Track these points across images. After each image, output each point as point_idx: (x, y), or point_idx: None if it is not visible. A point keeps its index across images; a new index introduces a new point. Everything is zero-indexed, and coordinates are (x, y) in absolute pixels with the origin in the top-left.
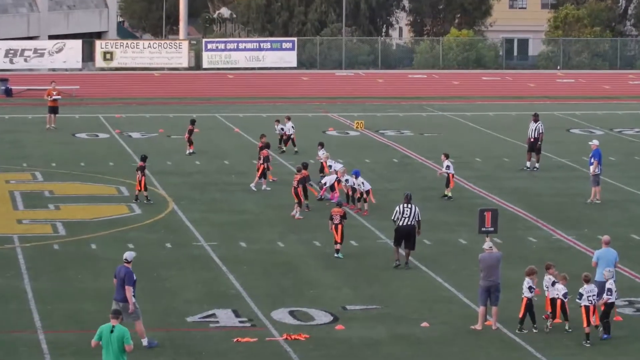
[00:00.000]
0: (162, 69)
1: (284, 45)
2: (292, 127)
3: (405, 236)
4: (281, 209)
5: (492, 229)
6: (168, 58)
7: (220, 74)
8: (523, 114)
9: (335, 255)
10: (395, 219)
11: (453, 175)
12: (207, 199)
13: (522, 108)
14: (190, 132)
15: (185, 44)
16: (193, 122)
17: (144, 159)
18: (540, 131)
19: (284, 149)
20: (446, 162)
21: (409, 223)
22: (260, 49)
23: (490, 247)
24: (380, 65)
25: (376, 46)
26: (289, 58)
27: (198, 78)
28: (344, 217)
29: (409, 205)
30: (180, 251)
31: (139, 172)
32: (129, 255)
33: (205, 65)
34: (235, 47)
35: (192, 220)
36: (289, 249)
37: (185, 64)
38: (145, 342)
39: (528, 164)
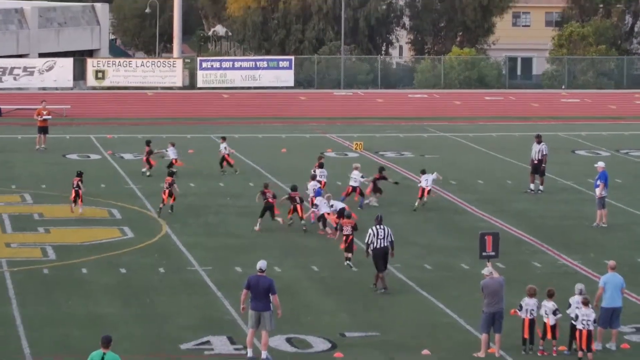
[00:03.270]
0: (155, 88)
1: (281, 64)
2: (226, 147)
3: (382, 257)
4: (277, 232)
5: (493, 253)
6: (161, 77)
7: (215, 93)
8: (527, 134)
9: (346, 263)
10: (369, 242)
11: (429, 190)
12: (202, 222)
13: (525, 128)
14: (149, 153)
15: (179, 63)
16: (148, 142)
17: (79, 174)
18: (544, 152)
19: (223, 170)
20: (424, 177)
21: (384, 245)
22: (256, 68)
23: (490, 272)
24: (380, 84)
25: (376, 65)
26: (286, 77)
27: (192, 97)
28: (354, 228)
29: (382, 227)
30: (174, 276)
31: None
32: (263, 264)
33: (199, 84)
34: (231, 66)
35: (186, 244)
36: (285, 274)
37: (179, 83)
38: (264, 355)
39: (532, 186)
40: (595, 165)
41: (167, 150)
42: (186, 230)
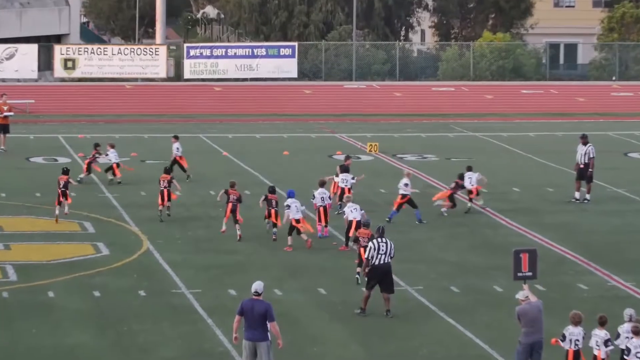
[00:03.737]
0: (135, 79)
1: (282, 51)
2: (178, 148)
3: (383, 276)
4: (278, 248)
5: (530, 274)
6: (142, 67)
7: (205, 86)
8: (571, 134)
9: (357, 276)
10: (369, 257)
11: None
12: (190, 237)
13: (569, 127)
14: (93, 157)
15: (162, 50)
16: (97, 145)
17: (65, 171)
18: (591, 156)
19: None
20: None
21: (386, 261)
22: (253, 56)
23: (526, 297)
24: (399, 75)
25: (393, 53)
26: (288, 67)
27: (178, 91)
28: (371, 239)
29: (384, 240)
30: (157, 300)
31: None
32: (259, 286)
33: (187, 75)
34: (224, 54)
35: (170, 262)
36: (287, 298)
37: (162, 74)
38: None
39: (577, 194)
40: None
41: (107, 155)
42: (171, 246)
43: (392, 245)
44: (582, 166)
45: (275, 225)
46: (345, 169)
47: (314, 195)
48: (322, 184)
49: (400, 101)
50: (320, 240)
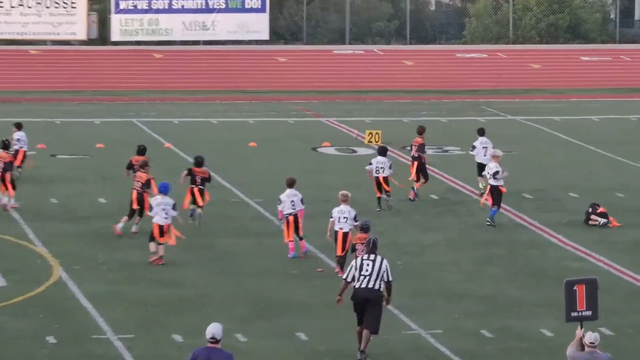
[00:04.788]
0: (44, 42)
1: (248, 3)
2: (19, 139)
3: (363, 305)
4: (242, 276)
5: (588, 312)
6: (53, 25)
7: (141, 51)
8: None
9: None
10: (348, 279)
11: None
12: (117, 261)
13: None
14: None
15: (81, 2)
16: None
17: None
18: None
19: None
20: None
21: (371, 286)
22: (208, 10)
23: (593, 342)
24: (410, 37)
25: (402, 5)
26: (257, 25)
27: (103, 58)
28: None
29: (371, 258)
30: (72, 349)
31: None
32: (217, 330)
33: (115, 37)
34: (167, 7)
35: (91, 296)
36: (254, 346)
37: (81, 35)
38: None
39: None
40: None
41: (15, 142)
42: (93, 273)
43: (385, 266)
44: None
45: (198, 206)
46: (382, 151)
47: (279, 200)
48: (292, 184)
49: (412, 72)
50: (296, 263)
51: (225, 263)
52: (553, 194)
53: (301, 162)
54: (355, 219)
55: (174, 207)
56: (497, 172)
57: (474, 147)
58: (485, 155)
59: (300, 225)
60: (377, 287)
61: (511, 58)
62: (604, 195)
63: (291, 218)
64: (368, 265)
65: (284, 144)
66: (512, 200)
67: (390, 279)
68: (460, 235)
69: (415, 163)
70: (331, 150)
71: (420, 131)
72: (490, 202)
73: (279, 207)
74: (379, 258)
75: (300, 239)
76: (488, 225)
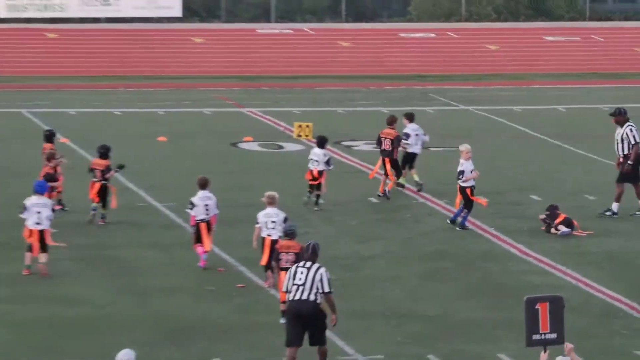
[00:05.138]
0: None
1: None
2: None
3: (303, 321)
4: (149, 294)
5: (552, 335)
6: None
7: (31, 30)
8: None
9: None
10: (284, 289)
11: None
12: (4, 275)
13: (623, 96)
14: None
15: None
16: None
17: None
18: (633, 140)
19: None
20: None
21: (304, 297)
22: None
23: None
24: (345, 14)
25: None
26: (168, 0)
27: None
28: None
29: (307, 266)
30: None
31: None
32: (129, 357)
33: (0, 13)
34: None
35: None
36: None
37: None
38: None
39: (614, 206)
40: None
41: None
42: None
43: (321, 275)
44: (621, 159)
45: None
46: (320, 142)
47: (191, 203)
48: (205, 185)
49: (349, 55)
50: (212, 277)
51: (130, 278)
52: (512, 196)
53: (219, 160)
54: (285, 223)
55: (53, 210)
56: (461, 173)
57: (408, 136)
58: (417, 144)
59: (211, 233)
60: (312, 298)
61: (464, 38)
62: (572, 198)
63: (203, 225)
64: (302, 273)
65: (199, 138)
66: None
67: (327, 289)
68: (405, 246)
69: (387, 159)
70: (254, 146)
71: (391, 121)
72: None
73: (191, 212)
74: (315, 266)
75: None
76: (459, 229)
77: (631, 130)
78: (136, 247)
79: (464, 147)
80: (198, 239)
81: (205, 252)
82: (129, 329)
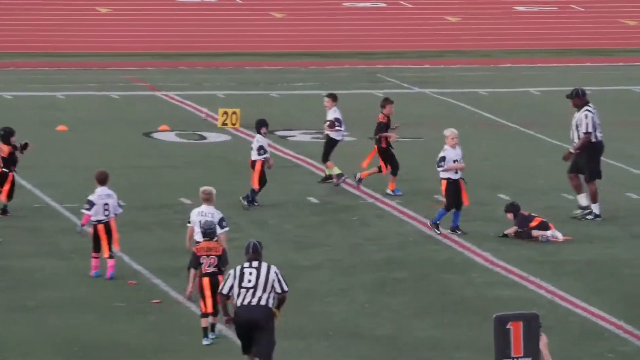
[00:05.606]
0: None
1: None
2: None
3: (249, 329)
4: (47, 311)
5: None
6: None
7: None
8: (611, 91)
9: (206, 340)
10: (224, 291)
11: None
12: None
13: (607, 77)
14: None
15: None
16: None
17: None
18: (585, 129)
19: None
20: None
21: (255, 302)
22: None
23: None
24: None
25: None
26: None
27: None
28: (223, 262)
29: (255, 265)
30: None
31: None
32: None
33: None
34: None
35: None
36: None
37: None
38: None
39: (581, 200)
40: None
41: None
42: None
43: (275, 274)
44: (573, 149)
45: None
46: (256, 125)
47: (88, 202)
48: (104, 180)
49: (283, 29)
50: (122, 291)
51: (23, 292)
52: (477, 195)
53: (130, 153)
54: (222, 225)
55: None
56: (442, 159)
57: (340, 122)
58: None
59: (115, 237)
60: (264, 302)
61: (419, 8)
62: (546, 197)
63: (101, 227)
64: (251, 274)
65: (106, 127)
66: (421, 204)
67: (286, 288)
68: (351, 254)
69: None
70: (171, 136)
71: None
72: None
73: (87, 212)
74: (264, 265)
75: (111, 257)
76: (437, 234)
77: (586, 116)
78: (31, 255)
79: (449, 132)
80: (96, 247)
81: (109, 259)
82: (23, 353)
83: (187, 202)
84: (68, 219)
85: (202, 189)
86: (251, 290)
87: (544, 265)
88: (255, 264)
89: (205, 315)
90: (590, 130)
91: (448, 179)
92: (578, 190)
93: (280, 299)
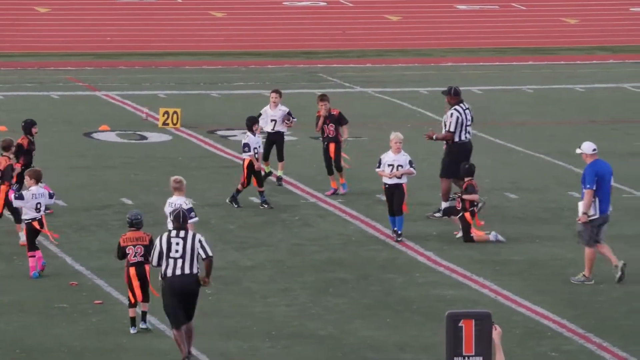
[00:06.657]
0: None
1: None
2: None
3: (187, 296)
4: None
5: (478, 359)
6: None
7: None
8: (561, 89)
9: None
10: (154, 262)
11: None
12: None
13: (550, 75)
14: None
15: None
16: None
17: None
18: (447, 127)
19: None
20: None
21: (187, 271)
22: None
23: None
24: None
25: None
26: None
27: None
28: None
29: (181, 235)
30: None
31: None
32: None
33: None
34: None
35: None
36: None
37: None
38: None
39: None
40: None
41: None
42: None
43: (199, 241)
44: (434, 136)
45: None
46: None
47: (20, 197)
48: (38, 178)
49: (223, 27)
50: (64, 293)
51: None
52: (419, 195)
53: (70, 154)
54: (190, 215)
55: None
56: (378, 162)
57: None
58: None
59: (47, 231)
60: (194, 271)
61: (360, 7)
62: (489, 196)
63: (36, 224)
64: (178, 244)
65: (45, 128)
66: (363, 204)
67: (210, 253)
68: (292, 254)
69: (333, 145)
70: (111, 136)
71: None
72: None
73: (16, 200)
74: (190, 233)
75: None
76: (398, 240)
77: (452, 115)
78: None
79: (393, 136)
80: (32, 246)
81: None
82: None
83: (128, 203)
84: (7, 219)
85: (172, 178)
86: (179, 261)
87: (487, 265)
88: (182, 233)
89: (133, 305)
90: (452, 129)
91: (384, 184)
92: (445, 198)
93: (207, 265)
